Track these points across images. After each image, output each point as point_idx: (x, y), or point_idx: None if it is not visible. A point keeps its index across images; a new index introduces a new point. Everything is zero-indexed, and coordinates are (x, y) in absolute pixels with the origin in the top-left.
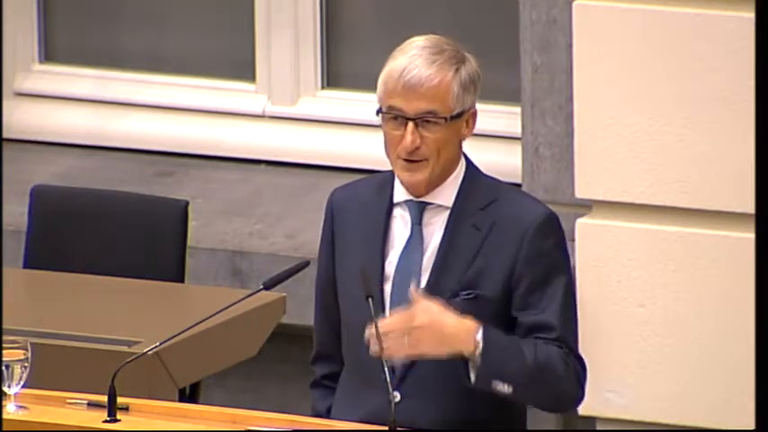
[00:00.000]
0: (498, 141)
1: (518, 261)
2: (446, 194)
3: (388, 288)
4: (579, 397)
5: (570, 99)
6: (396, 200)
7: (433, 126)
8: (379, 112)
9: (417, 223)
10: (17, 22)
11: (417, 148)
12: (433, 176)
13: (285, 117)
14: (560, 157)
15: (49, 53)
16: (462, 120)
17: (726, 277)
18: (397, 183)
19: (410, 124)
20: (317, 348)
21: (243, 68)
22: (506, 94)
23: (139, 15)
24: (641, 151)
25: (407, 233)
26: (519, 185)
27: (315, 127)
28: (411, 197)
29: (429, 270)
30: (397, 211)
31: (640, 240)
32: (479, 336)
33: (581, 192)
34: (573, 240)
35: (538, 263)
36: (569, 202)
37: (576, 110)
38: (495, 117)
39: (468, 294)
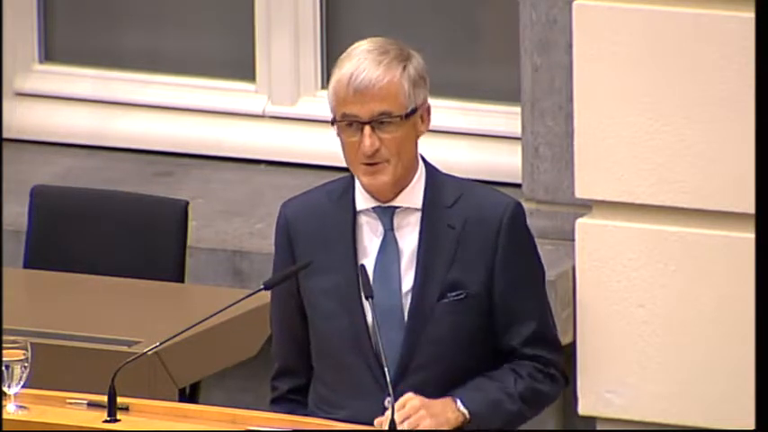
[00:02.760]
0: (498, 141)
1: (497, 256)
2: (413, 196)
3: None
4: (564, 386)
5: (570, 99)
6: (359, 207)
7: (388, 126)
8: (333, 122)
9: (390, 228)
10: (17, 22)
11: (377, 151)
12: (397, 177)
13: (285, 117)
14: (560, 157)
15: (49, 53)
16: (417, 116)
17: (726, 277)
18: (358, 190)
19: (366, 128)
20: (279, 364)
21: (243, 68)
22: (506, 94)
23: (139, 15)
24: (641, 151)
25: (378, 240)
26: (519, 185)
27: (315, 127)
28: (377, 203)
29: (410, 273)
30: (362, 219)
31: (640, 240)
32: (461, 407)
33: (581, 192)
34: (573, 240)
35: (515, 256)
36: (569, 202)
37: (576, 110)
38: (495, 117)
39: (457, 295)
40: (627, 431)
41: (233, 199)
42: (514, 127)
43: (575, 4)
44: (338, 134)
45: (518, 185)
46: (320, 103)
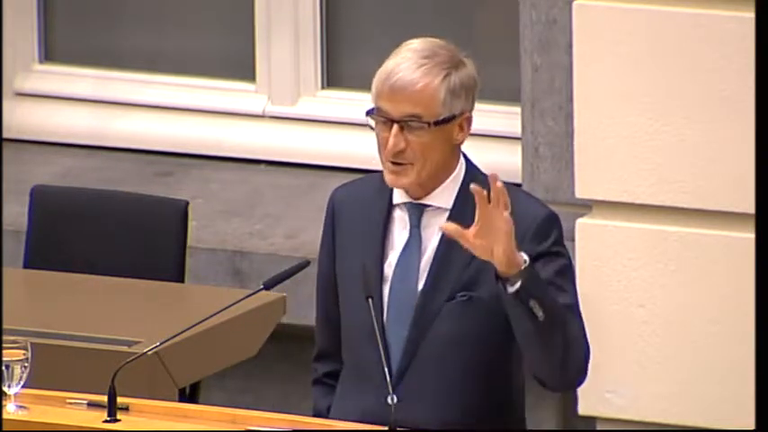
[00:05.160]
0: (498, 141)
1: None
2: (445, 197)
3: (386, 289)
4: (583, 373)
5: (570, 99)
6: (395, 201)
7: (417, 130)
8: (368, 113)
9: (416, 226)
10: (17, 22)
11: (402, 151)
12: (421, 180)
13: (285, 117)
14: (560, 157)
15: (49, 53)
16: (453, 125)
17: (726, 277)
18: None
19: (395, 127)
20: (318, 346)
21: (243, 68)
22: (506, 94)
23: (139, 15)
24: (641, 151)
25: (406, 235)
26: (519, 185)
27: (315, 127)
28: (410, 199)
29: (426, 273)
30: (396, 213)
31: (640, 240)
32: (524, 256)
33: (581, 192)
34: (573, 240)
35: (538, 265)
36: (569, 202)
37: (576, 110)
38: (495, 117)
39: (462, 296)
40: (627, 431)
41: (233, 199)
42: (514, 127)
43: (575, 4)
44: (372, 127)
45: (518, 185)
46: (320, 103)
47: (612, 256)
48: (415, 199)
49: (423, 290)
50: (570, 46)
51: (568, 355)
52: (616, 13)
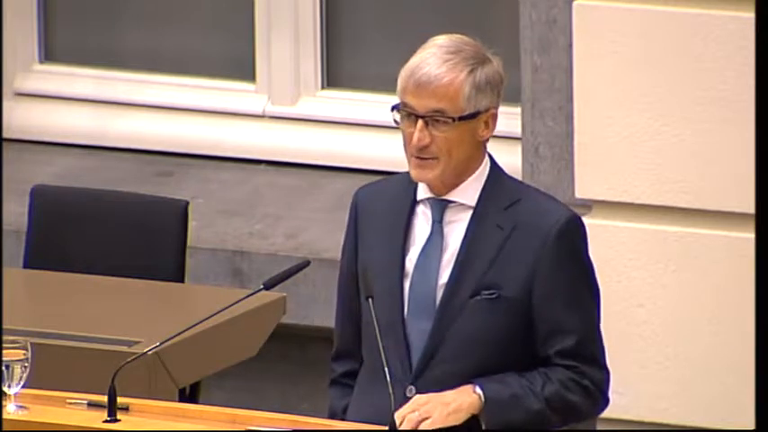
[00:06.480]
0: (498, 141)
1: (539, 264)
2: (468, 193)
3: (407, 284)
4: (601, 408)
5: (570, 99)
6: (419, 197)
7: (442, 125)
8: (394, 108)
9: (438, 221)
10: (17, 22)
11: (426, 146)
12: (445, 176)
13: (285, 117)
14: (560, 157)
15: (49, 53)
16: (477, 121)
17: (726, 277)
18: None
19: (419, 122)
20: (337, 346)
21: (243, 68)
22: (506, 94)
23: (139, 15)
24: (641, 151)
25: (428, 230)
26: None
27: (315, 127)
28: (433, 195)
29: (450, 267)
30: (419, 209)
31: (640, 240)
32: (478, 389)
33: (581, 192)
34: None
35: (559, 267)
36: (569, 202)
37: (576, 110)
38: None
39: (490, 294)
40: (627, 431)
41: (233, 199)
42: (514, 127)
43: (575, 4)
44: (398, 122)
45: None
46: (320, 103)
47: (612, 256)
48: (439, 195)
49: (446, 285)
50: (570, 46)
51: (576, 419)
52: (616, 13)
